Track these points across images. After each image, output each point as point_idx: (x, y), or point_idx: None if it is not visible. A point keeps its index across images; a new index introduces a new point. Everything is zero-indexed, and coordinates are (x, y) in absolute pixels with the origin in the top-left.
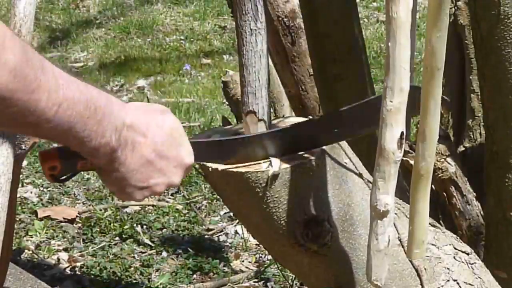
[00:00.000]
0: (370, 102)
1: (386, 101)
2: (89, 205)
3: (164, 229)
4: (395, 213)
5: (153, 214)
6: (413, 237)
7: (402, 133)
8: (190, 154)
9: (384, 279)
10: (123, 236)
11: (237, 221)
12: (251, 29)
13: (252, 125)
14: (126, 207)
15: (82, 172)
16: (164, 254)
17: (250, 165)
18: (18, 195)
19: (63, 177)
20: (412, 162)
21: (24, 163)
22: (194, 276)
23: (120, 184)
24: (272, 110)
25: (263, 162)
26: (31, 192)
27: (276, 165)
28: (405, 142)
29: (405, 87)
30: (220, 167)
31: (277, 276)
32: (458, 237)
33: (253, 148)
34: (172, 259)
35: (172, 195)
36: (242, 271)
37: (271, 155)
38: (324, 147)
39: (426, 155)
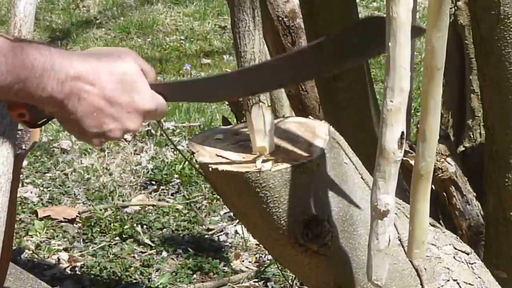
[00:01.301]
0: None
1: (386, 101)
2: (89, 205)
3: (164, 229)
4: (395, 213)
5: (153, 214)
6: (413, 237)
7: (402, 133)
8: (146, 99)
9: (384, 279)
10: (123, 236)
11: (237, 221)
12: (248, 30)
13: (257, 119)
14: (126, 207)
15: (82, 172)
16: (164, 254)
17: (250, 165)
18: (18, 195)
19: (39, 122)
20: (412, 162)
21: (24, 163)
22: (194, 276)
23: (76, 130)
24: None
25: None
26: (31, 192)
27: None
28: (405, 142)
29: (405, 87)
30: (220, 167)
31: (277, 276)
32: (458, 237)
33: (229, 86)
34: (172, 259)
35: (172, 195)
36: (242, 271)
37: (246, 93)
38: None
39: (426, 155)
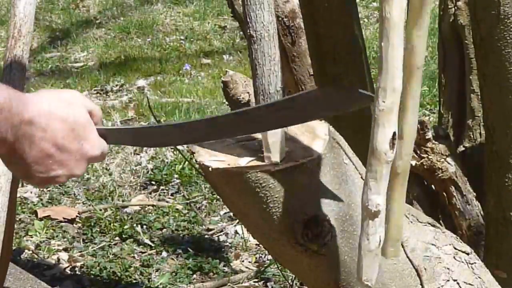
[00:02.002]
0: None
1: (378, 101)
2: (89, 205)
3: (164, 229)
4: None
5: (153, 214)
6: (388, 235)
7: (394, 133)
8: (94, 147)
9: (374, 280)
10: (123, 236)
11: (237, 221)
12: (256, 36)
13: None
14: (126, 207)
15: None
16: (164, 254)
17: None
18: (18, 195)
19: None
20: (412, 162)
21: None
22: (194, 276)
23: (22, 173)
24: None
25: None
26: (31, 192)
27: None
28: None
29: (397, 87)
30: (221, 167)
31: (277, 276)
32: (458, 237)
33: (163, 136)
34: (172, 259)
35: (172, 195)
36: (242, 271)
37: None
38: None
39: (403, 153)
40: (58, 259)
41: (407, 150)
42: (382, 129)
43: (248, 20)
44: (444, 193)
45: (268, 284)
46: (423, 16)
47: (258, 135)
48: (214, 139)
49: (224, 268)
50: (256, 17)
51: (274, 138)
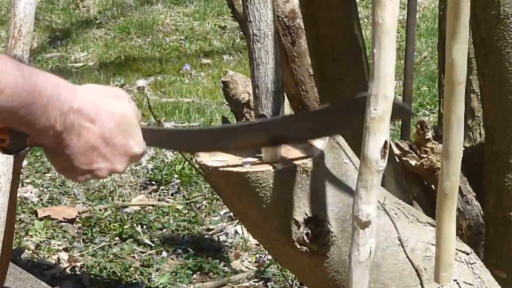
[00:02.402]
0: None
1: (370, 109)
2: (89, 205)
3: (164, 229)
4: (395, 213)
5: (153, 214)
6: (440, 260)
7: (385, 142)
8: (139, 144)
9: None
10: (123, 236)
11: (237, 221)
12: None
13: None
14: (126, 207)
15: None
16: (164, 254)
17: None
18: (18, 195)
19: (14, 150)
20: (412, 162)
21: (24, 163)
22: (194, 276)
23: (63, 164)
24: None
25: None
26: (31, 192)
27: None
28: (404, 142)
29: (389, 95)
30: (220, 167)
31: (277, 276)
32: (458, 237)
33: (212, 141)
34: (172, 259)
35: (172, 195)
36: (242, 271)
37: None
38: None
39: (451, 173)
40: (58, 259)
41: (454, 170)
42: (374, 137)
43: (251, 19)
44: None
45: (268, 284)
46: (460, 29)
47: None
48: (247, 145)
49: (224, 268)
50: (260, 15)
51: None
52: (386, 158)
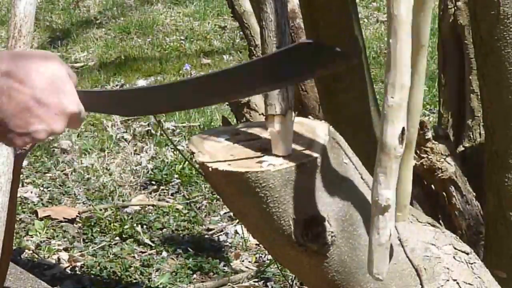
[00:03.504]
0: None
1: (387, 97)
2: (89, 205)
3: (164, 229)
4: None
5: (153, 214)
6: (397, 201)
7: (403, 128)
8: (74, 102)
9: (385, 273)
10: (123, 236)
11: (237, 221)
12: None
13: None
14: (126, 207)
15: (82, 172)
16: (164, 254)
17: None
18: (18, 195)
19: None
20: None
21: (24, 163)
22: (194, 276)
23: (0, 130)
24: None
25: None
26: (31, 192)
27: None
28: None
29: (406, 83)
30: (221, 167)
31: (277, 276)
32: (458, 237)
33: (148, 101)
34: (172, 259)
35: (172, 195)
36: (242, 271)
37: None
38: (323, 146)
39: (410, 125)
40: (58, 259)
41: (413, 122)
42: (391, 125)
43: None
44: (444, 193)
45: (268, 284)
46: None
47: (259, 134)
48: (201, 104)
49: (224, 268)
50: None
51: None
52: (404, 144)
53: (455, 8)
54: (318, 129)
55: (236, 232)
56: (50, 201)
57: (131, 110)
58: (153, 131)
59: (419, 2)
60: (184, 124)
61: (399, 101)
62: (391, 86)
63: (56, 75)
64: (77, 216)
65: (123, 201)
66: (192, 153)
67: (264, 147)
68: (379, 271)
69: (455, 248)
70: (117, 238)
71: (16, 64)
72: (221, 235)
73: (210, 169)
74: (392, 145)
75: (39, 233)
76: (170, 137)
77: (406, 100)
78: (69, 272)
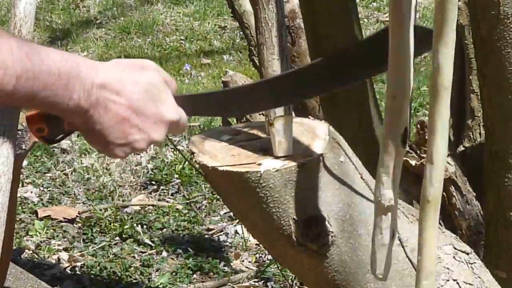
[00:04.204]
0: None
1: (389, 98)
2: (89, 205)
3: (164, 229)
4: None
5: (153, 214)
6: (421, 267)
7: (406, 129)
8: (171, 110)
9: (388, 273)
10: (123, 236)
11: (237, 221)
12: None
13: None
14: (126, 207)
15: (82, 172)
16: (164, 254)
17: (249, 164)
18: (18, 195)
19: (56, 138)
20: (412, 162)
21: (24, 163)
22: (194, 276)
23: (100, 142)
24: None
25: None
26: (31, 192)
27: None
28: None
29: (408, 83)
30: (220, 167)
31: (277, 276)
32: (458, 237)
33: (256, 98)
34: (172, 259)
35: (172, 195)
36: (242, 271)
37: (273, 105)
38: (324, 146)
39: (434, 180)
40: (58, 259)
41: (438, 176)
42: (394, 125)
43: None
44: (444, 193)
45: (268, 284)
46: (447, 32)
47: (259, 134)
48: (276, 105)
49: (224, 268)
50: None
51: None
52: (407, 143)
53: None
54: (318, 129)
55: (236, 232)
56: (50, 201)
57: (231, 110)
58: None
59: (439, 35)
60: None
61: (401, 101)
62: (393, 86)
63: (152, 84)
64: (77, 216)
65: (123, 201)
66: (192, 153)
67: (264, 147)
68: (382, 272)
69: (455, 248)
70: (117, 238)
71: (111, 76)
72: (221, 235)
73: (210, 168)
74: (395, 145)
75: (39, 233)
76: (170, 137)
77: (409, 100)
78: (69, 272)
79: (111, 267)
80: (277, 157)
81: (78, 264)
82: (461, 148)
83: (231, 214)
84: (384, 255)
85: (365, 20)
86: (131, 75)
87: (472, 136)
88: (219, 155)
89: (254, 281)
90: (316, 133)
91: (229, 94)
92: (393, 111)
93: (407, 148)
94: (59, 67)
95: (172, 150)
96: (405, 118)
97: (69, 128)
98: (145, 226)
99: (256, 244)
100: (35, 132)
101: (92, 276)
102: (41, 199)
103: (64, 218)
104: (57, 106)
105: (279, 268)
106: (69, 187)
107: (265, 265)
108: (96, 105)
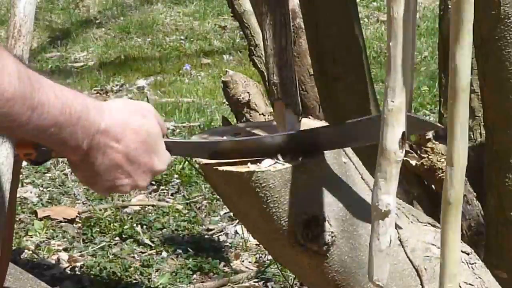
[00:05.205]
0: (374, 119)
1: (387, 101)
2: (89, 205)
3: (164, 229)
4: (395, 213)
5: (153, 214)
6: (444, 270)
7: (403, 133)
8: (162, 161)
9: (385, 279)
10: (123, 236)
11: (237, 221)
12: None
13: (280, 114)
14: (126, 207)
15: None
16: (164, 254)
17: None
18: (18, 195)
19: (40, 161)
20: (412, 162)
21: (24, 163)
22: (194, 276)
23: (87, 178)
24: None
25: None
26: (31, 192)
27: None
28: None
29: (406, 87)
30: (220, 167)
31: (277, 276)
32: None
33: (238, 150)
34: (172, 259)
35: (172, 195)
36: (242, 271)
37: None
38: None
39: (455, 181)
40: (58, 259)
41: (458, 178)
42: (392, 129)
43: None
44: None
45: (268, 284)
46: (464, 33)
47: (259, 134)
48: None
49: (224, 268)
50: None
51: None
52: (404, 148)
53: None
54: None
55: (236, 232)
56: (49, 201)
57: (215, 156)
58: None
59: (457, 36)
60: (184, 124)
61: (399, 105)
62: (391, 89)
63: (150, 135)
64: (76, 216)
65: (122, 201)
66: None
67: None
68: (379, 277)
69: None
70: (117, 238)
71: (114, 122)
72: (221, 235)
73: (210, 169)
74: (392, 150)
75: (39, 233)
76: (170, 137)
77: (406, 103)
78: (69, 272)
79: (111, 267)
80: (277, 158)
81: (78, 264)
82: None
83: (231, 214)
84: (381, 261)
85: (365, 20)
86: (133, 123)
87: (472, 136)
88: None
89: (254, 282)
90: None
91: (212, 146)
92: (390, 115)
93: (408, 148)
94: (70, 107)
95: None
96: (403, 122)
97: (56, 156)
98: (145, 226)
99: (256, 244)
100: (23, 155)
101: (92, 276)
102: (41, 199)
103: (64, 218)
104: (60, 143)
105: (279, 268)
106: (68, 187)
107: (265, 265)
108: (96, 149)
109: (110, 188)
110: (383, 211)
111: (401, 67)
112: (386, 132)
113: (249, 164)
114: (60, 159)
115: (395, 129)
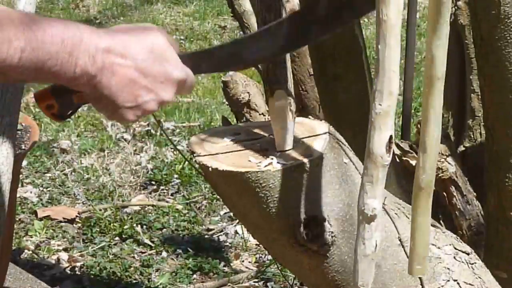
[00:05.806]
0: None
1: (375, 104)
2: (89, 205)
3: (164, 229)
4: (395, 213)
5: (153, 214)
6: (414, 252)
7: (390, 136)
8: (178, 68)
9: (370, 285)
10: (123, 236)
11: (237, 221)
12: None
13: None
14: (126, 207)
15: (81, 172)
16: (164, 254)
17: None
18: (18, 195)
19: (67, 114)
20: (412, 162)
21: (24, 163)
22: (194, 276)
23: (110, 108)
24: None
25: (263, 161)
26: (31, 192)
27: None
28: (404, 142)
29: (394, 90)
30: (220, 167)
31: (277, 276)
32: (458, 237)
33: (257, 47)
34: (172, 259)
35: (172, 195)
36: (242, 271)
37: (274, 53)
38: (324, 146)
39: (427, 167)
40: (58, 259)
41: (431, 163)
42: (379, 133)
43: None
44: (444, 193)
45: (268, 284)
46: (441, 24)
47: (259, 134)
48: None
49: (224, 268)
50: None
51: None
52: (391, 152)
53: (456, 7)
54: (318, 129)
55: (236, 232)
56: (49, 201)
57: (237, 63)
58: (153, 131)
59: (433, 28)
60: (184, 124)
61: (387, 108)
62: (379, 92)
63: (156, 44)
64: (76, 216)
65: (122, 201)
66: (192, 153)
67: (264, 147)
68: (364, 283)
69: (455, 248)
70: (117, 238)
71: (115, 40)
72: (221, 235)
73: (210, 169)
74: (379, 153)
75: (39, 233)
76: (170, 137)
77: (394, 107)
78: (69, 272)
79: (110, 267)
80: (277, 157)
81: (78, 264)
82: (461, 148)
83: (231, 214)
84: (367, 266)
85: (365, 20)
86: (134, 37)
87: (472, 136)
88: (219, 155)
89: (254, 282)
90: (316, 133)
91: (231, 47)
92: (377, 118)
93: (407, 148)
94: (62, 35)
95: (172, 150)
96: (390, 126)
97: (78, 102)
98: (145, 226)
99: (256, 244)
100: (45, 110)
101: (92, 276)
102: (41, 199)
103: (64, 218)
104: (64, 75)
105: (279, 268)
106: (68, 187)
107: (265, 265)
108: (103, 69)
109: (135, 110)
110: (369, 215)
111: (389, 71)
112: (373, 136)
113: (249, 157)
114: (60, 159)
115: (382, 133)
